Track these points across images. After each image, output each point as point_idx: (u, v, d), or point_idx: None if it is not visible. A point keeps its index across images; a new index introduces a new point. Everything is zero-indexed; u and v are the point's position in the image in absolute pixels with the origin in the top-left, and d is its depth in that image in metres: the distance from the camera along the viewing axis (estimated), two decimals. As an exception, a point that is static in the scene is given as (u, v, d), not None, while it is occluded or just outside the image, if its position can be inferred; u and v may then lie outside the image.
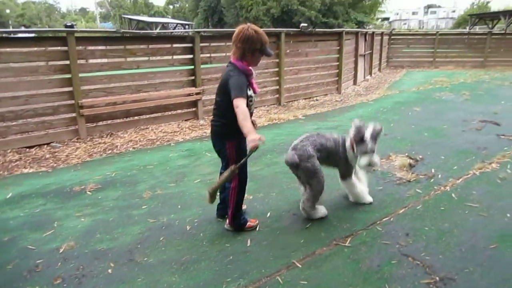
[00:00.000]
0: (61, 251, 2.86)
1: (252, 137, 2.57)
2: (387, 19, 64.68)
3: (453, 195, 3.68)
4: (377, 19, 42.46)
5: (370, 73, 13.55)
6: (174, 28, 30.02)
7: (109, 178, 4.33)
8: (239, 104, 2.62)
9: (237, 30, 2.76)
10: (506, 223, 3.13)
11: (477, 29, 26.71)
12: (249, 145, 2.61)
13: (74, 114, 5.82)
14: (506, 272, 2.49)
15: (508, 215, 3.25)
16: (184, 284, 2.44)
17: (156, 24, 30.27)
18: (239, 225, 3.06)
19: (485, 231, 3.01)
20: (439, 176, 4.15)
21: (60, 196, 3.87)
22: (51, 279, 2.53)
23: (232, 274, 2.54)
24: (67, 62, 5.61)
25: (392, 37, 17.00)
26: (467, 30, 23.04)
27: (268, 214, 3.34)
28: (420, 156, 4.79)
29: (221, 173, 3.18)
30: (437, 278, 2.45)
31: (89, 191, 3.97)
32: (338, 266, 2.61)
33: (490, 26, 23.11)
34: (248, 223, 3.10)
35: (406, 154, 4.88)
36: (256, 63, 2.86)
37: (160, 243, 2.95)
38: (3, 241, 3.01)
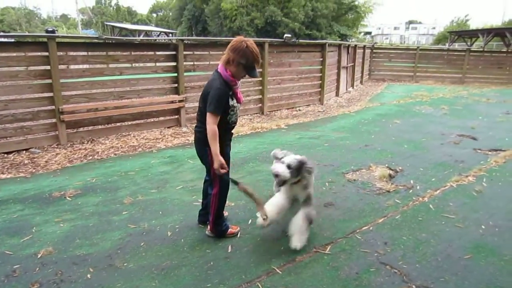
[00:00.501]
0: (39, 256, 2.81)
1: (217, 160, 2.73)
2: (369, 33, 66.21)
3: (430, 206, 3.78)
4: (360, 32, 43.43)
5: (352, 85, 13.81)
6: (158, 36, 29.94)
7: (90, 184, 4.28)
8: (209, 122, 2.71)
9: (235, 39, 2.83)
10: (481, 235, 3.23)
11: (456, 46, 27.61)
12: (214, 165, 2.75)
13: (54, 120, 5.74)
14: (480, 282, 2.57)
15: (483, 226, 3.36)
16: (164, 290, 2.44)
17: (139, 31, 30.12)
18: (220, 231, 3.07)
19: (460, 242, 3.10)
20: (418, 187, 4.26)
21: (38, 201, 3.79)
22: (28, 284, 2.48)
23: (212, 279, 2.55)
24: (48, 67, 5.54)
25: (374, 50, 17.41)
26: (446, 46, 23.79)
27: (250, 221, 3.36)
28: (400, 168, 4.91)
29: (206, 181, 3.19)
30: (414, 286, 2.52)
31: (68, 196, 3.91)
32: (318, 273, 2.65)
33: (469, 43, 23.95)
34: (229, 230, 3.12)
35: (386, 165, 5.00)
36: (238, 76, 2.84)
37: (140, 248, 2.93)
38: (-21, 246, 2.93)
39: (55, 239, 3.06)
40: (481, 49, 17.62)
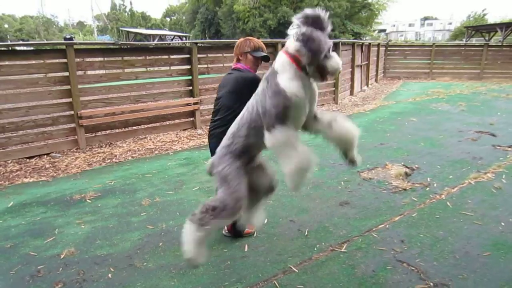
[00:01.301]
0: (62, 257, 2.90)
1: None
2: (383, 30, 65.37)
3: (448, 203, 3.74)
4: (374, 30, 42.92)
5: (367, 84, 13.70)
6: (172, 40, 30.25)
7: (108, 186, 4.38)
8: None
9: None
10: (500, 232, 3.18)
11: (474, 41, 27.03)
12: None
13: (73, 125, 5.89)
14: (499, 280, 2.54)
15: (503, 223, 3.31)
16: (182, 288, 2.49)
17: (154, 36, 30.48)
18: (237, 231, 3.11)
19: (479, 239, 3.06)
20: (435, 185, 4.22)
21: (60, 204, 3.91)
22: (52, 283, 2.57)
23: (229, 278, 2.59)
24: (67, 73, 5.69)
25: (389, 48, 17.21)
26: (463, 42, 23.32)
27: (266, 221, 3.39)
28: (416, 165, 4.86)
29: None
30: (431, 284, 2.50)
31: (88, 199, 4.02)
32: (334, 271, 2.66)
33: (487, 38, 23.42)
34: (246, 230, 3.15)
35: (402, 163, 4.96)
36: (252, 66, 2.92)
37: (159, 248, 3.00)
38: (5, 248, 3.05)
39: (76, 240, 3.15)
40: (500, 43, 17.18)
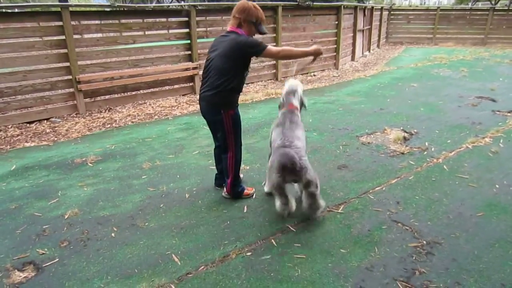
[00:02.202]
0: (66, 217, 2.98)
1: (312, 50, 2.97)
2: (388, -6, 63.35)
3: (444, 167, 3.79)
4: (378, -6, 41.60)
5: (369, 49, 13.48)
6: (170, 3, 29.38)
7: (109, 150, 4.42)
8: (273, 52, 2.89)
9: (237, 3, 2.86)
10: (494, 194, 3.24)
11: (480, 5, 26.27)
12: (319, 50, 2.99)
13: (72, 90, 5.86)
14: (490, 238, 2.62)
15: (497, 186, 3.37)
16: (184, 246, 2.57)
17: (151, -1, 29.60)
18: (236, 192, 3.18)
19: (473, 201, 3.13)
20: (432, 149, 4.25)
21: (62, 167, 3.96)
22: (58, 242, 2.66)
23: (229, 237, 2.67)
24: (63, 37, 5.59)
25: (392, 12, 16.79)
26: (469, 6, 22.68)
27: (264, 183, 3.45)
28: (415, 130, 4.88)
29: (216, 147, 3.24)
30: (424, 242, 2.58)
31: (90, 163, 4.07)
32: (331, 230, 2.74)
33: (493, 2, 22.75)
34: (245, 191, 3.22)
35: (401, 128, 4.97)
36: (250, 35, 2.89)
37: (160, 209, 3.07)
38: (11, 209, 3.13)
39: (79, 202, 3.22)
40: (506, 8, 16.69)
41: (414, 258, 2.41)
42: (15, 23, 5.42)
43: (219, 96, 2.84)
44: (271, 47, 2.84)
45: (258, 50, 2.77)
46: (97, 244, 2.62)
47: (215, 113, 2.92)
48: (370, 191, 3.32)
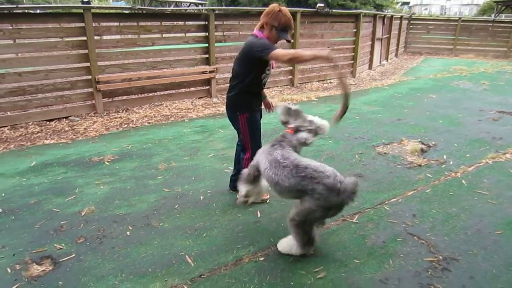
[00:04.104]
0: (83, 214, 3.03)
1: (319, 54, 2.46)
2: (407, 3, 62.87)
3: (463, 181, 3.72)
4: (397, 3, 41.39)
5: (387, 58, 13.38)
6: (188, 7, 29.75)
7: (126, 150, 4.48)
8: (279, 54, 2.55)
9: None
10: (514, 212, 3.17)
11: (503, 17, 25.80)
12: (320, 53, 2.47)
13: (91, 89, 5.96)
14: (509, 257, 2.54)
15: (518, 204, 3.29)
16: (197, 248, 2.59)
17: (170, 2, 29.98)
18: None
19: (492, 218, 3.05)
20: (451, 162, 4.18)
21: (80, 165, 4.03)
22: (75, 238, 2.71)
23: (242, 241, 2.67)
24: (84, 38, 5.70)
25: (411, 22, 16.64)
26: (492, 17, 22.31)
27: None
28: (433, 142, 4.81)
29: (238, 145, 3.27)
30: (441, 257, 2.53)
31: (107, 161, 4.13)
32: (345, 240, 2.72)
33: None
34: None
35: (419, 139, 4.91)
36: (272, 39, 2.81)
37: (175, 210, 3.10)
38: (30, 204, 3.19)
39: (96, 200, 3.27)
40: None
41: (429, 273, 2.37)
42: (38, 23, 5.56)
43: (234, 97, 2.93)
44: (279, 49, 2.58)
45: (264, 52, 2.61)
46: (113, 241, 2.66)
47: (232, 114, 3.03)
48: (386, 202, 3.29)
